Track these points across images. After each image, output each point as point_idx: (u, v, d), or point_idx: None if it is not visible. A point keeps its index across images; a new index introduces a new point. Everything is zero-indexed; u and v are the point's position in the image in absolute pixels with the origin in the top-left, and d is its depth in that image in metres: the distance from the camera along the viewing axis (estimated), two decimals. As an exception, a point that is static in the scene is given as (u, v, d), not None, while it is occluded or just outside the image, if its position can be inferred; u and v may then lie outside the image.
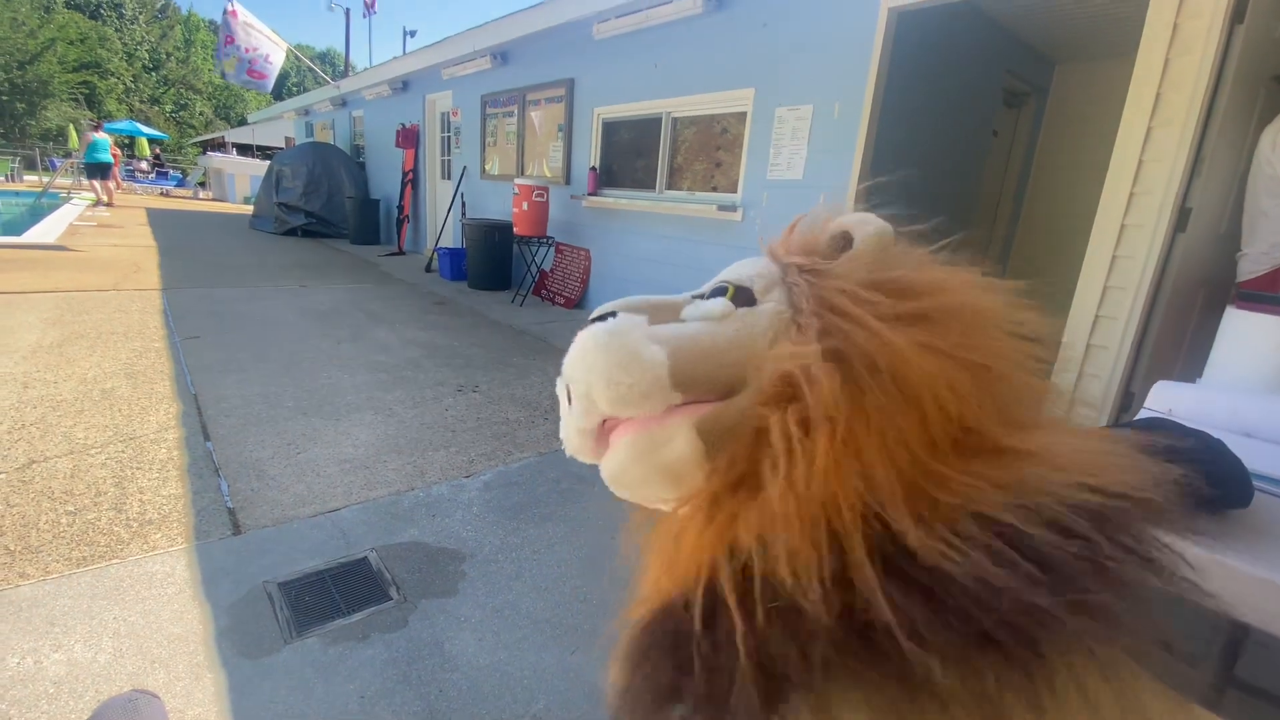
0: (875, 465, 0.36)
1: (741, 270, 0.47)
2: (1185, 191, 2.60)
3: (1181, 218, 2.63)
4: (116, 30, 38.52)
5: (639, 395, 0.41)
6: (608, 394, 0.42)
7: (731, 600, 0.36)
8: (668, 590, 0.43)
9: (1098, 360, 2.85)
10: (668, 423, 0.42)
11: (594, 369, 0.43)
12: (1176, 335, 2.87)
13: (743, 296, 0.44)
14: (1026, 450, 0.37)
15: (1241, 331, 1.53)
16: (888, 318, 0.37)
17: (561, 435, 0.50)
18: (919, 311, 0.38)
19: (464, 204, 8.11)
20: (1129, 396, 2.82)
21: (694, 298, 0.48)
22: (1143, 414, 1.28)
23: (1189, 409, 1.28)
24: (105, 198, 12.67)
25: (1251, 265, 2.21)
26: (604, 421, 0.46)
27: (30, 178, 19.12)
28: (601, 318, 0.46)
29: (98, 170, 12.53)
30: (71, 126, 13.09)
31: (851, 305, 0.38)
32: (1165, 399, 1.28)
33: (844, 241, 0.43)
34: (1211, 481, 0.87)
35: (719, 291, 0.46)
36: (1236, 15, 2.40)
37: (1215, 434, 0.97)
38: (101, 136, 12.38)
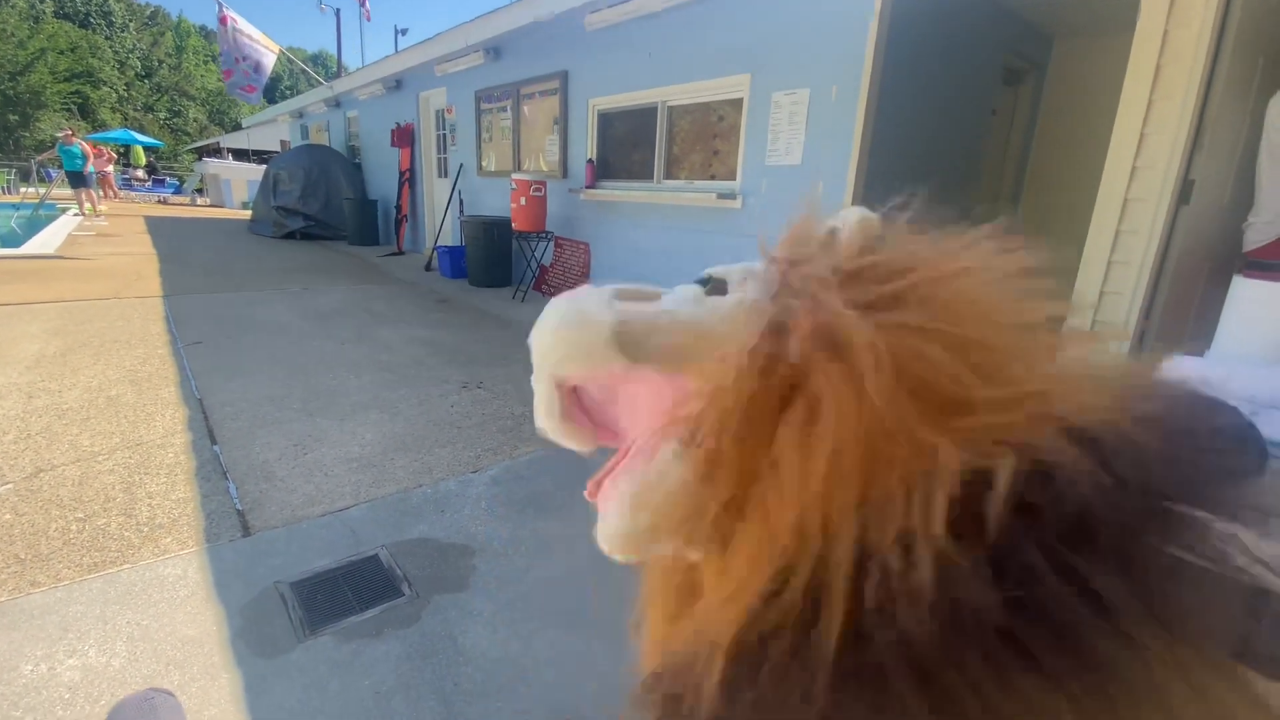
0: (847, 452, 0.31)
1: (732, 266, 0.47)
2: (1188, 164, 2.58)
3: (1184, 190, 2.60)
4: (107, 38, 38.42)
5: (582, 352, 0.41)
6: (555, 351, 0.42)
7: (782, 645, 0.31)
8: (675, 648, 0.39)
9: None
10: (655, 456, 0.39)
11: (544, 327, 0.43)
12: (1182, 308, 2.86)
13: (717, 287, 0.44)
14: (1032, 390, 0.31)
15: (1249, 300, 1.51)
16: (850, 303, 0.34)
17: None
18: (890, 294, 0.34)
19: (462, 201, 8.09)
20: (1136, 372, 2.80)
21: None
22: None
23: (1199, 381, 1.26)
24: (88, 206, 12.41)
25: (1257, 235, 2.19)
26: (566, 393, 0.45)
27: (27, 190, 19.13)
28: None
29: (76, 179, 12.29)
30: (59, 136, 12.77)
31: (809, 283, 0.35)
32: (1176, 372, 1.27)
33: (834, 238, 0.42)
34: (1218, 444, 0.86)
35: (701, 282, 0.46)
36: (1236, -17, 2.37)
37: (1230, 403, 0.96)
38: (74, 143, 12.02)
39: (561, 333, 0.42)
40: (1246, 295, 1.53)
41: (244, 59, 10.62)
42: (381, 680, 1.50)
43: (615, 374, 0.41)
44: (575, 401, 0.45)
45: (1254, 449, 0.92)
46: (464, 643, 1.64)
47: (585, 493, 0.44)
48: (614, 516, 0.40)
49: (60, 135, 12.49)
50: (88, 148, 12.35)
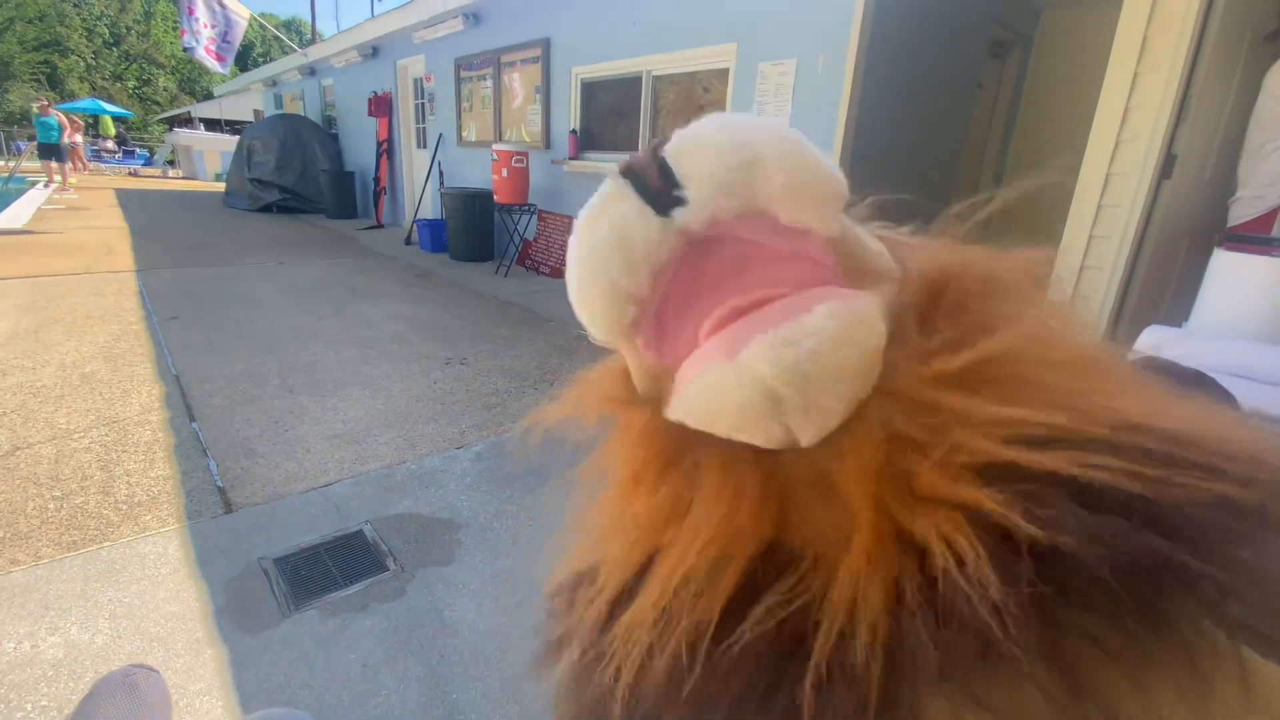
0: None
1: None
2: (1171, 138, 2.58)
3: (1167, 165, 2.61)
4: (75, 6, 36.82)
5: (822, 188, 0.31)
6: (789, 161, 0.31)
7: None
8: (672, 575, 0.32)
9: (1081, 310, 2.86)
10: (863, 297, 0.31)
11: (776, 130, 0.31)
12: (1161, 283, 2.89)
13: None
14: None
15: (1229, 273, 1.53)
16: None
17: (595, 231, 0.34)
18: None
19: (441, 173, 7.93)
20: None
21: None
22: (1130, 357, 1.29)
23: (1177, 353, 1.29)
24: (57, 178, 11.91)
25: (1243, 209, 2.20)
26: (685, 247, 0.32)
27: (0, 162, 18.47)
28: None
29: (48, 151, 11.83)
30: (34, 108, 12.11)
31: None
32: (1154, 343, 1.28)
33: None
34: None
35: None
36: (1224, -46, 2.36)
37: (1208, 373, 0.97)
38: (50, 114, 11.58)
39: (804, 151, 0.31)
40: (1225, 268, 1.55)
41: (212, 25, 10.21)
42: (368, 654, 1.51)
43: (800, 236, 0.32)
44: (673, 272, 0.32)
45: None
46: (450, 616, 1.65)
47: (701, 334, 0.32)
48: (812, 334, 0.29)
49: (36, 106, 11.89)
50: (64, 119, 11.81)
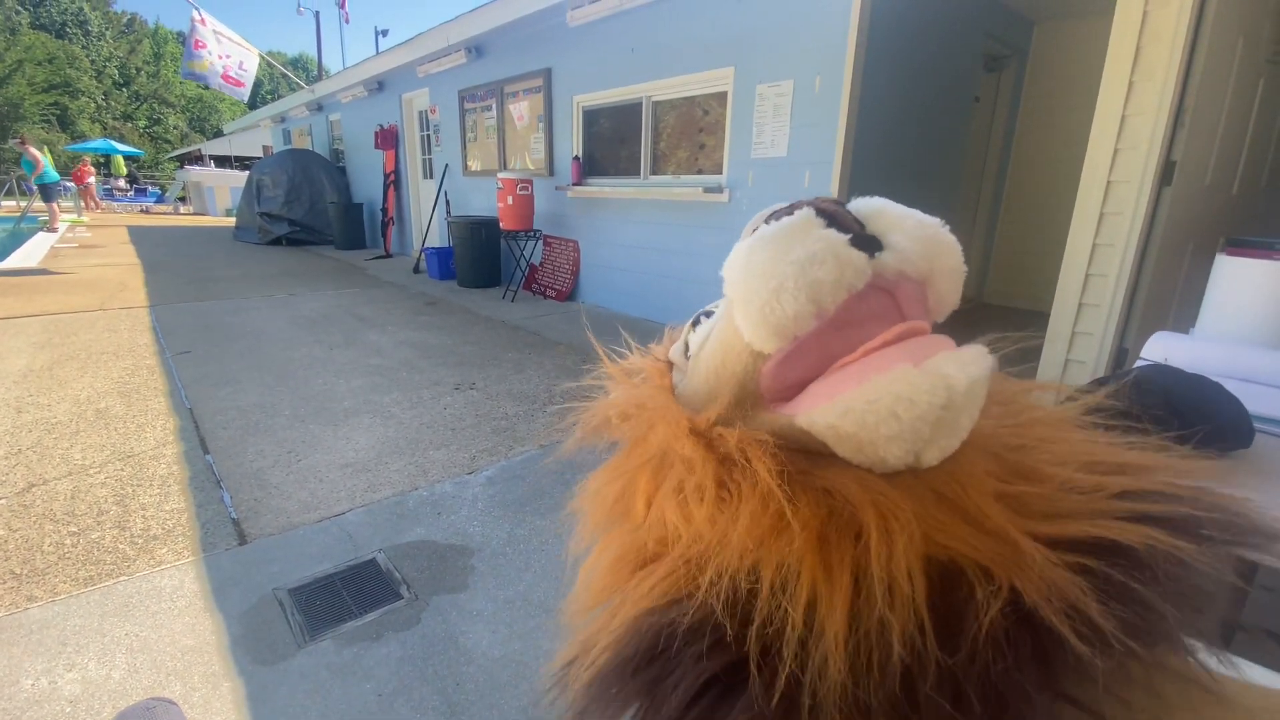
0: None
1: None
2: (1169, 145, 2.60)
3: (1167, 171, 2.62)
4: (83, 48, 37.87)
5: (961, 279, 0.37)
6: (956, 250, 0.35)
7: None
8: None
9: (1089, 318, 2.86)
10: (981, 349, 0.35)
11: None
12: (1166, 289, 2.88)
13: None
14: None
15: (1234, 278, 1.54)
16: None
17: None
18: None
19: (448, 202, 8.05)
20: (1122, 352, 2.83)
21: None
22: (1139, 363, 1.29)
23: (1185, 358, 1.29)
24: (45, 217, 11.21)
25: None
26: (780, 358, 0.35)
27: (8, 203, 18.84)
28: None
29: (42, 192, 11.18)
30: (45, 149, 11.73)
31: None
32: (1162, 349, 1.29)
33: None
34: (1202, 421, 0.87)
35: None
36: (1212, -37, 2.39)
37: (1213, 378, 0.97)
38: (24, 150, 10.91)
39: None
40: (1229, 273, 1.56)
41: (225, 55, 10.47)
42: (384, 683, 1.51)
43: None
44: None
45: (1242, 423, 0.93)
46: (465, 643, 1.64)
47: (850, 356, 0.34)
48: (971, 363, 0.32)
49: (13, 143, 11.38)
50: (36, 154, 11.02)
